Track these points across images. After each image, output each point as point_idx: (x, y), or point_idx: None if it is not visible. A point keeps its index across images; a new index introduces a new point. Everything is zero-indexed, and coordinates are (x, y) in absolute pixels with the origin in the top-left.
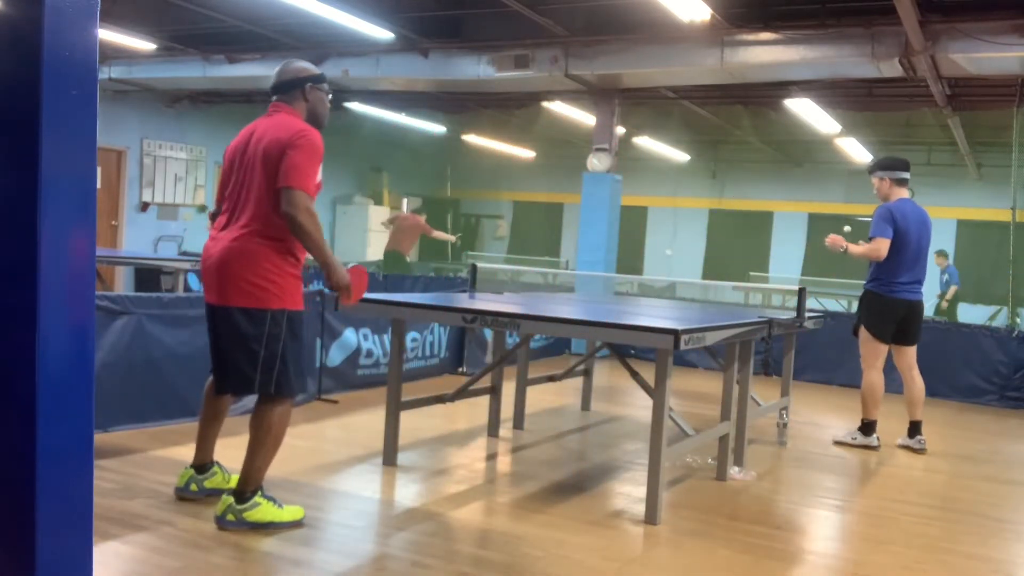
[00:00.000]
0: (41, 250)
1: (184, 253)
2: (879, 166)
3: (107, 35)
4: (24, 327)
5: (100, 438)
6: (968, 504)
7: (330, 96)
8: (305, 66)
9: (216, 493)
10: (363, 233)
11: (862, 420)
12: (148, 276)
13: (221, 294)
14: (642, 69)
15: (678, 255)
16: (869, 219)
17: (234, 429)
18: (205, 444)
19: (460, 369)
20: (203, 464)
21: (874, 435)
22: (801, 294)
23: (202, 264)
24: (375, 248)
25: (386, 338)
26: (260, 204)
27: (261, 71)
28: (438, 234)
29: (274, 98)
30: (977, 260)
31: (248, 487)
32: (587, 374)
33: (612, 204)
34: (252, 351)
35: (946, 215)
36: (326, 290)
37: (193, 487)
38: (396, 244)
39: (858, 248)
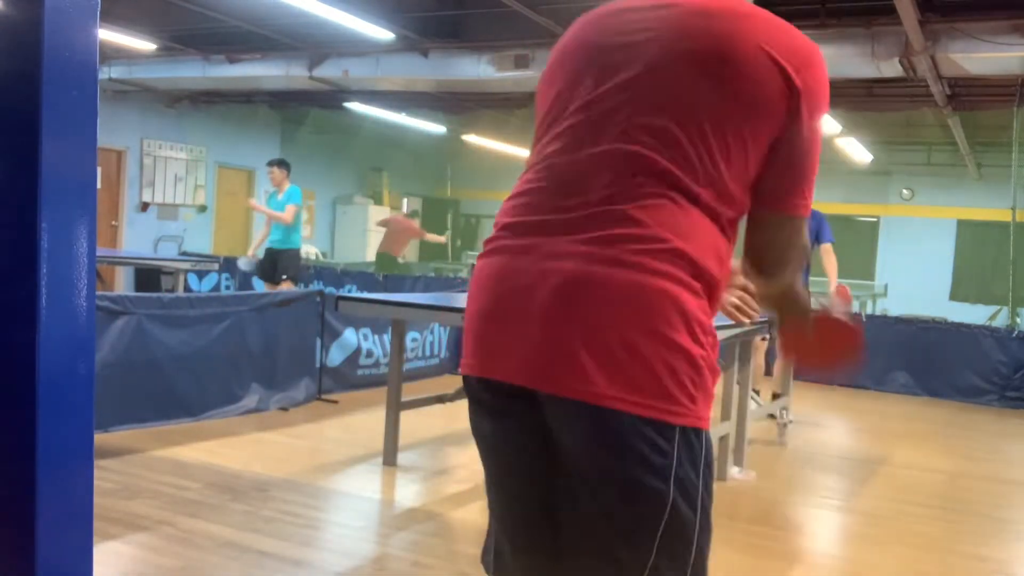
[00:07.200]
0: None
1: (184, 253)
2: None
3: (107, 35)
4: (24, 327)
5: (100, 438)
6: (968, 504)
7: None
8: None
9: None
10: (363, 233)
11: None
12: (148, 276)
13: (570, 370)
14: None
15: None
16: (868, 219)
17: (235, 429)
18: None
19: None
20: None
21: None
22: None
23: (496, 292)
24: (374, 248)
25: (386, 338)
26: (666, 165)
27: (261, 71)
28: (431, 237)
29: None
30: (977, 260)
31: None
32: None
33: None
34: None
35: (946, 215)
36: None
37: None
38: (388, 246)
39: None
